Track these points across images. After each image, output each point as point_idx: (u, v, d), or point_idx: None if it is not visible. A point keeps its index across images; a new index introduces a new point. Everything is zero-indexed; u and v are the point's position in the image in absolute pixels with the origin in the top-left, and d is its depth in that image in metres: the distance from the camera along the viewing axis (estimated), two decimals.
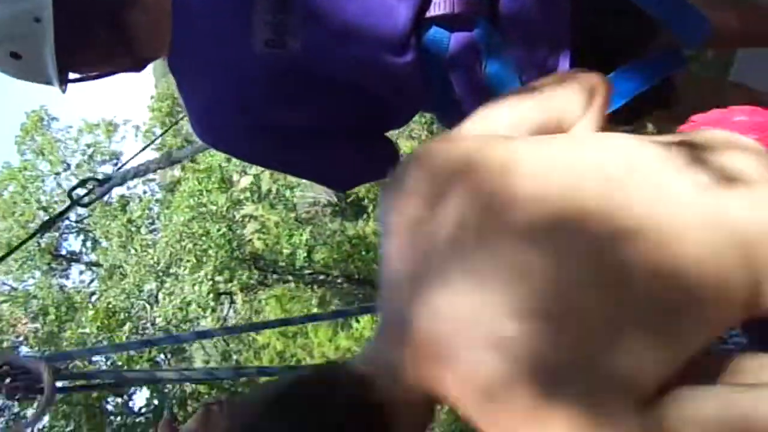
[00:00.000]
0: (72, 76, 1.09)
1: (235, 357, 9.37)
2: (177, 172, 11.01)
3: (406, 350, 0.64)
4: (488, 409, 0.59)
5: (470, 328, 0.60)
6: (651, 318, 0.60)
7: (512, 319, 0.59)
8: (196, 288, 8.33)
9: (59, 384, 1.33)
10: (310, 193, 9.55)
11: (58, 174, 11.86)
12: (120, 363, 7.51)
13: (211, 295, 8.47)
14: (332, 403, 0.64)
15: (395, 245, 0.69)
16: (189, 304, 8.51)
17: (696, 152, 0.70)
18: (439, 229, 0.66)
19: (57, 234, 12.03)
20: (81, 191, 1.79)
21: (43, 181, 11.83)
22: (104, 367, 7.95)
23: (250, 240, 8.91)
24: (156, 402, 7.68)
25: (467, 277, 0.62)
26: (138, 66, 1.12)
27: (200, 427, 0.97)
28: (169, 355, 8.98)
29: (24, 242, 6.37)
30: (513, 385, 0.57)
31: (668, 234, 0.62)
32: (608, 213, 0.63)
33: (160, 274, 9.10)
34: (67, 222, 12.10)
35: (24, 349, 7.94)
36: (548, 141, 0.73)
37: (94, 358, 8.12)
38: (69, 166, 12.14)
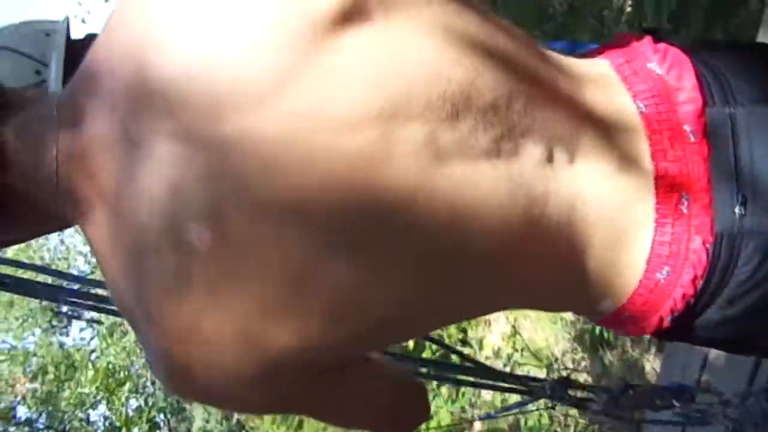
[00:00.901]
0: None
1: (236, 416, 9.18)
2: None
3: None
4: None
5: None
6: None
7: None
8: None
9: None
10: None
11: (61, 230, 11.87)
12: (119, 424, 7.36)
13: None
14: None
15: None
16: None
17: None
18: None
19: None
20: None
21: (46, 237, 11.87)
22: (101, 428, 7.80)
23: None
24: None
25: None
26: None
27: None
28: (168, 415, 8.81)
29: None
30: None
31: None
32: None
33: None
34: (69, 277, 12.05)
35: (21, 410, 7.79)
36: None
37: (91, 419, 7.97)
38: None
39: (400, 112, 0.46)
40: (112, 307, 1.41)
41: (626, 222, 0.55)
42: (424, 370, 2.22)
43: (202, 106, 0.45)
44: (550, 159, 0.53)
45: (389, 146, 0.46)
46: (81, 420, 7.98)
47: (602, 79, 0.58)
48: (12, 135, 0.52)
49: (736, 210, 0.53)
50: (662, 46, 0.59)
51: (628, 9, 3.45)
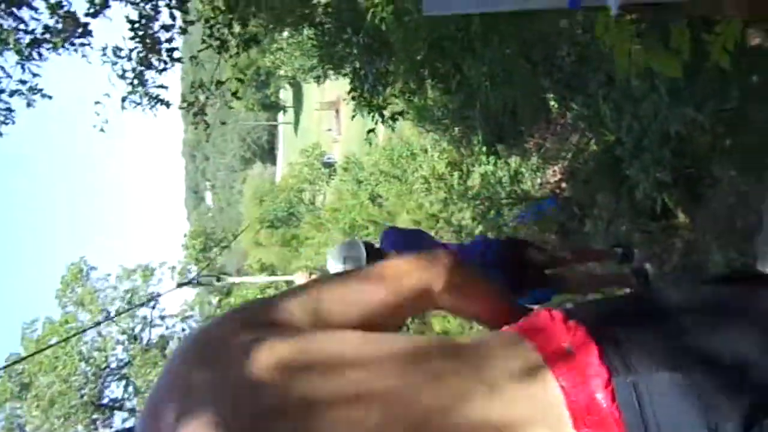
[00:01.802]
0: None
1: None
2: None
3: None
4: None
5: None
6: None
7: None
8: None
9: None
10: None
11: (98, 323, 11.99)
12: None
13: None
14: None
15: None
16: None
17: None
18: None
19: (99, 382, 12.00)
20: None
21: (84, 332, 11.96)
22: None
23: None
24: None
25: None
26: None
27: None
28: None
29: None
30: None
31: None
32: None
33: None
34: (107, 369, 12.11)
35: None
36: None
37: None
38: (109, 313, 12.29)
39: None
40: None
41: None
42: None
43: None
44: None
45: None
46: None
47: (526, 365, 0.71)
48: None
49: None
50: (572, 324, 0.73)
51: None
